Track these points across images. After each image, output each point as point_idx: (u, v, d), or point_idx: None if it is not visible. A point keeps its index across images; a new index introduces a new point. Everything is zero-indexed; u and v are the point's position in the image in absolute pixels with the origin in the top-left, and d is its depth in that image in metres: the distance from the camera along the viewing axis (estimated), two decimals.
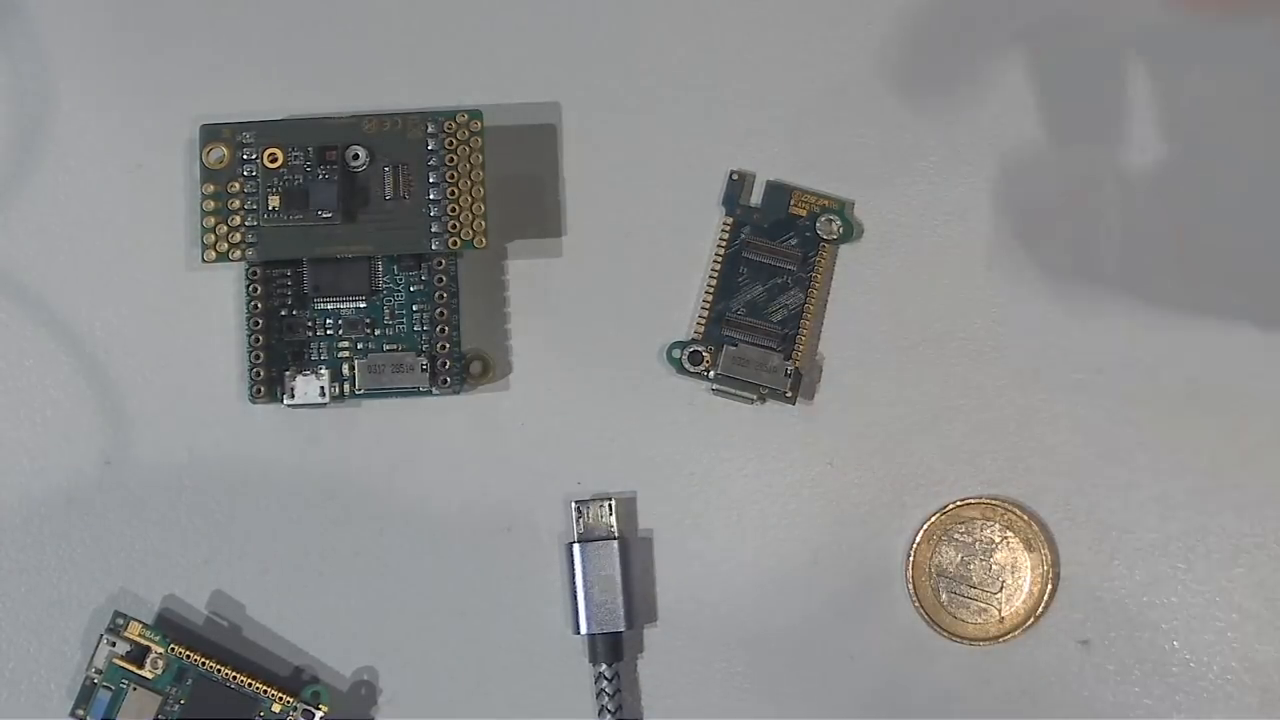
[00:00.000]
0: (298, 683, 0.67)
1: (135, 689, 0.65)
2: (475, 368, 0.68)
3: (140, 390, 0.67)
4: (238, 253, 0.65)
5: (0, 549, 0.67)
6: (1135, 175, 0.68)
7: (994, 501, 0.67)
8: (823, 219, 0.68)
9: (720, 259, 0.68)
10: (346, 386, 0.66)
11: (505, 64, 0.69)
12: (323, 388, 0.66)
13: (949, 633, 0.67)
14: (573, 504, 0.66)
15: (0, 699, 0.66)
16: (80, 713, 0.65)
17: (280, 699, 0.65)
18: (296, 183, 0.66)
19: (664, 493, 0.67)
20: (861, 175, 0.68)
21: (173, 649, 0.65)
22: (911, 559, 0.67)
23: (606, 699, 0.66)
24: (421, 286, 0.67)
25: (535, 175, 0.68)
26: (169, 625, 0.67)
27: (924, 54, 0.69)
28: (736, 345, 0.67)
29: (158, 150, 0.68)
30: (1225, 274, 0.68)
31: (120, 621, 0.65)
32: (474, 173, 0.66)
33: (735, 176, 0.68)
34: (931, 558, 0.67)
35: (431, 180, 0.66)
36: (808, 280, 0.68)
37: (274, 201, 0.66)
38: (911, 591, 0.67)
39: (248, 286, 0.66)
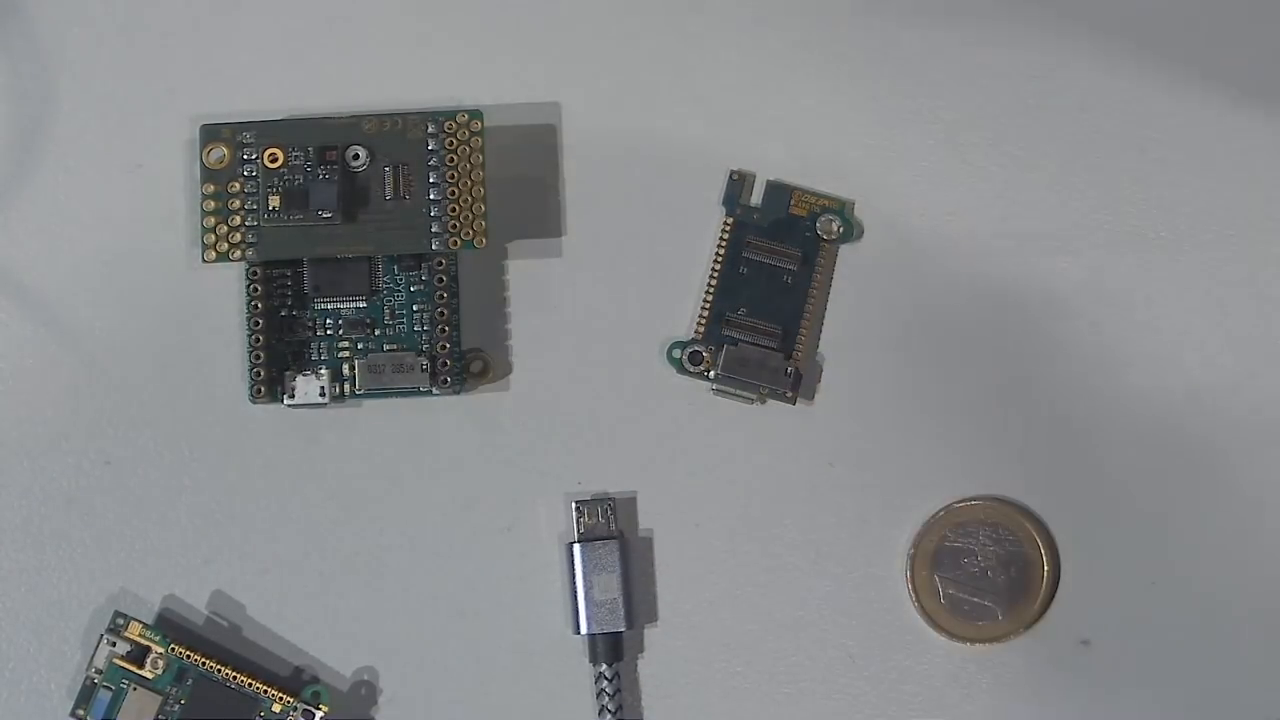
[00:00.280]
0: (298, 683, 0.67)
1: (135, 689, 0.65)
2: (475, 368, 0.68)
3: (140, 390, 0.67)
4: (238, 253, 0.65)
5: (0, 549, 0.67)
6: (1139, 178, 0.69)
7: (994, 501, 0.67)
8: (823, 219, 0.68)
9: (720, 259, 0.68)
10: (346, 386, 0.66)
11: (505, 64, 0.69)
12: (323, 388, 0.66)
13: (949, 633, 0.67)
14: (573, 504, 0.66)
15: (0, 699, 0.66)
16: (80, 713, 0.65)
17: (280, 699, 0.65)
18: (296, 183, 0.66)
19: (664, 493, 0.67)
20: (861, 175, 0.68)
21: (173, 649, 0.65)
22: (911, 559, 0.67)
23: (606, 699, 0.66)
24: (421, 286, 0.67)
25: (535, 175, 0.68)
26: (169, 625, 0.67)
27: (924, 53, 0.69)
28: (736, 345, 0.67)
29: (158, 150, 0.68)
30: (1224, 273, 0.68)
31: (120, 621, 0.65)
32: (474, 173, 0.66)
33: (735, 176, 0.68)
34: (931, 558, 0.67)
35: (431, 180, 0.66)
36: (808, 280, 0.68)
37: (274, 201, 0.66)
38: (911, 591, 0.67)
39: (248, 286, 0.66)
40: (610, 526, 0.66)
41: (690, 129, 0.68)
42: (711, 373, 0.67)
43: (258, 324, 0.66)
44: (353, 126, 0.66)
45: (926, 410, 0.67)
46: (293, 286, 0.67)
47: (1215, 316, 0.68)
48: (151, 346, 0.68)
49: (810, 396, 0.68)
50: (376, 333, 0.67)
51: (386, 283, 0.67)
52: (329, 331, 0.67)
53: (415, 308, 0.67)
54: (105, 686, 0.65)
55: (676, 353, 0.67)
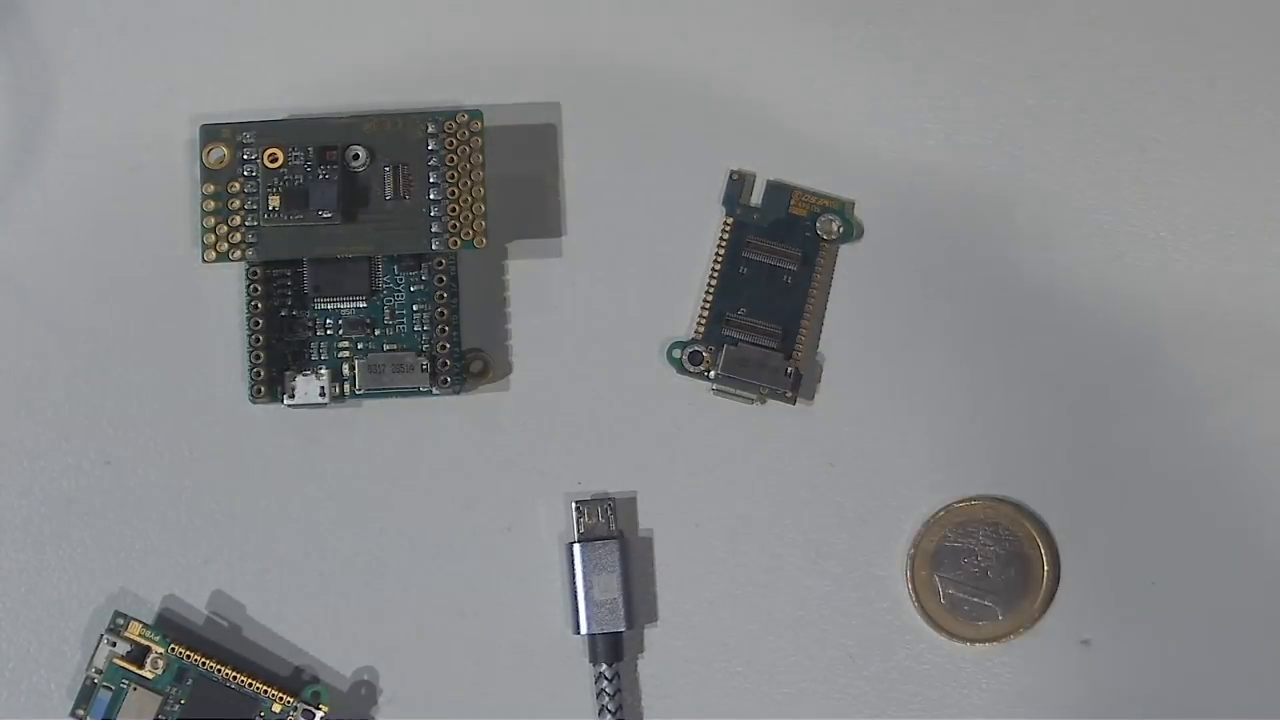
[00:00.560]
0: (298, 683, 0.67)
1: (135, 689, 0.65)
2: (475, 368, 0.68)
3: (140, 390, 0.67)
4: (238, 253, 0.65)
5: (0, 549, 0.67)
6: (1139, 178, 0.69)
7: (994, 501, 0.67)
8: (823, 219, 0.68)
9: (720, 259, 0.68)
10: (346, 386, 0.66)
11: (505, 64, 0.69)
12: (323, 388, 0.66)
13: (949, 633, 0.67)
14: (573, 504, 0.66)
15: (0, 699, 0.66)
16: (80, 713, 0.65)
17: (280, 699, 0.65)
18: (296, 183, 0.66)
19: (664, 493, 0.67)
20: (861, 175, 0.68)
21: (173, 649, 0.65)
22: (912, 559, 0.67)
23: (606, 699, 0.66)
24: (421, 286, 0.67)
25: (535, 175, 0.68)
26: (169, 625, 0.67)
27: (924, 53, 0.69)
28: (736, 345, 0.67)
29: (158, 150, 0.68)
30: (1224, 273, 0.68)
31: (120, 621, 0.65)
32: (474, 173, 0.66)
33: (735, 176, 0.68)
34: (931, 558, 0.67)
35: (431, 180, 0.66)
36: (808, 280, 0.68)
37: (274, 201, 0.66)
38: (911, 591, 0.67)
39: (248, 286, 0.66)
40: (610, 526, 0.66)
41: (690, 129, 0.68)
42: (711, 373, 0.67)
43: (258, 324, 0.66)
44: (353, 126, 0.66)
45: (927, 410, 0.67)
46: (293, 286, 0.67)
47: (1215, 316, 0.68)
48: (151, 346, 0.68)
49: (810, 396, 0.68)
50: (376, 333, 0.67)
51: (386, 283, 0.67)
52: (329, 331, 0.67)
53: (415, 308, 0.67)
54: (105, 686, 0.65)
55: (676, 353, 0.67)
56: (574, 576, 0.66)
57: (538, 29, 0.69)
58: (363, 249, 0.66)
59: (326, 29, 0.69)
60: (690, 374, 0.67)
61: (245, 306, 0.66)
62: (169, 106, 0.68)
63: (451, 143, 0.66)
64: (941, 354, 0.68)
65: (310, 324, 0.67)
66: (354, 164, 0.66)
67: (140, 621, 0.65)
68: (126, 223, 0.68)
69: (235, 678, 0.65)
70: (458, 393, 0.66)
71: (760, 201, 0.68)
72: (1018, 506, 0.67)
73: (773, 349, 0.67)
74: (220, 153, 0.66)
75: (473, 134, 0.66)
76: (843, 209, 0.68)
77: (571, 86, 0.69)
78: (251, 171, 0.66)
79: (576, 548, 0.66)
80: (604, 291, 0.68)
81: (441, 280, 0.66)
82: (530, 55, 0.69)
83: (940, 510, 0.67)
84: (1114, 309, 0.68)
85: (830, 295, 0.68)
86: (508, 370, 0.68)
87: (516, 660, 0.67)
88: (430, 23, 0.69)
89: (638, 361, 0.68)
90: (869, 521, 0.67)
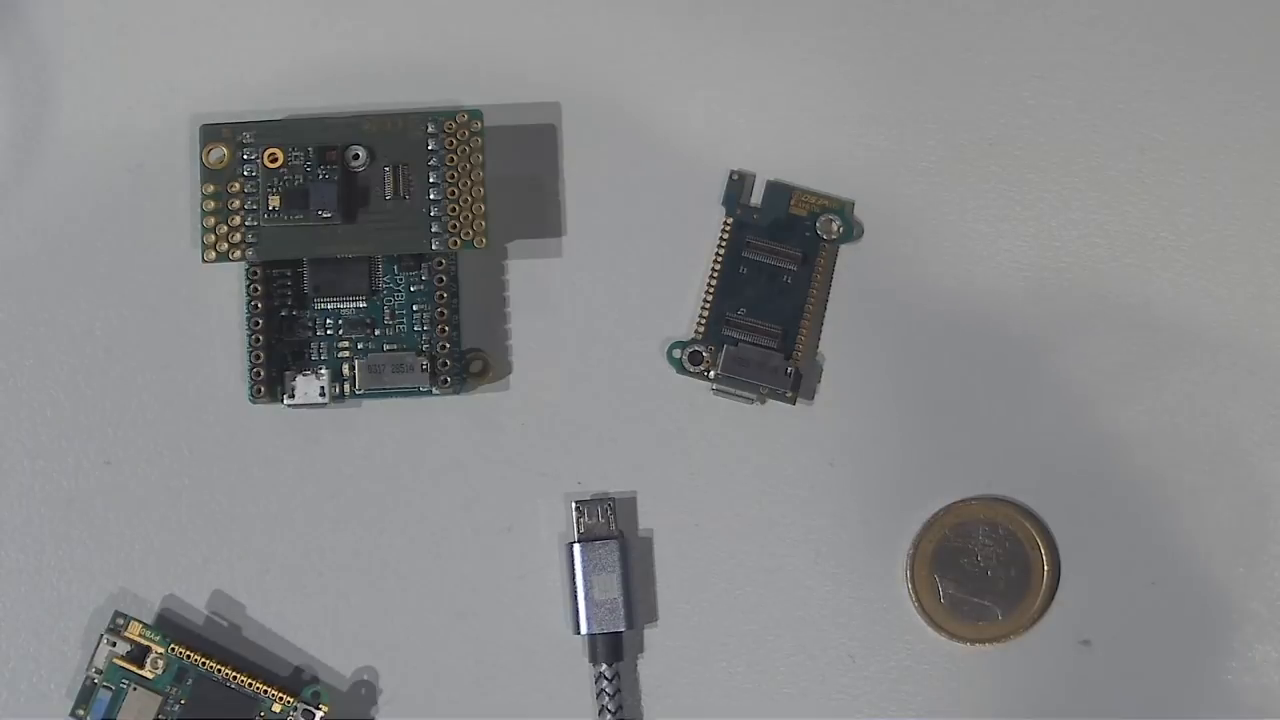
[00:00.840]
0: (298, 683, 0.67)
1: (135, 689, 0.65)
2: (475, 368, 0.68)
3: (140, 390, 0.67)
4: (238, 253, 0.65)
5: (0, 549, 0.67)
6: (1139, 178, 0.69)
7: (994, 501, 0.67)
8: (823, 219, 0.68)
9: (720, 259, 0.68)
10: (346, 386, 0.66)
11: (505, 64, 0.69)
12: (323, 388, 0.66)
13: (949, 633, 0.67)
14: (573, 504, 0.66)
15: (0, 699, 0.66)
16: (80, 713, 0.65)
17: (280, 699, 0.65)
18: (296, 183, 0.66)
19: (664, 493, 0.67)
20: (861, 175, 0.68)
21: (173, 649, 0.65)
22: (911, 559, 0.67)
23: (606, 699, 0.66)
24: (421, 286, 0.67)
25: (535, 175, 0.68)
26: (169, 625, 0.67)
27: (924, 53, 0.69)
28: (736, 345, 0.67)
29: (158, 150, 0.68)
30: (1224, 273, 0.68)
31: (120, 621, 0.65)
32: (474, 173, 0.66)
33: (735, 176, 0.68)
34: (931, 558, 0.67)
35: (431, 180, 0.66)
36: (808, 280, 0.68)
37: (274, 201, 0.66)
38: (911, 591, 0.67)
39: (248, 286, 0.66)
40: (610, 526, 0.66)
41: (690, 129, 0.69)
42: (711, 373, 0.67)
43: (258, 324, 0.66)
44: (353, 126, 0.66)
45: (926, 410, 0.67)
46: (293, 286, 0.67)
47: (1215, 316, 0.68)
48: (151, 346, 0.68)
49: (810, 396, 0.68)
50: (376, 333, 0.67)
51: (386, 283, 0.67)
52: (329, 331, 0.67)
53: (415, 308, 0.67)
54: (105, 686, 0.65)
55: (676, 353, 0.67)
56: (574, 576, 0.66)
57: (538, 29, 0.69)
58: (363, 249, 0.66)
59: (326, 29, 0.69)
60: (690, 374, 0.67)
61: (245, 306, 0.66)
62: (169, 106, 0.68)
63: (451, 143, 0.66)
64: (941, 354, 0.68)
65: (310, 324, 0.67)
66: (354, 164, 0.66)
67: (140, 621, 0.65)
68: (126, 223, 0.68)
69: (235, 678, 0.65)
70: (458, 393, 0.66)
71: (760, 201, 0.68)
72: (1018, 506, 0.67)
73: (773, 349, 0.67)
74: (220, 153, 0.66)
75: (473, 134, 0.66)
76: (843, 209, 0.68)
77: (571, 86, 0.69)
78: (251, 171, 0.66)
79: (576, 548, 0.66)
80: (604, 291, 0.68)
81: (441, 280, 0.66)
82: (530, 55, 0.69)
83: (940, 510, 0.67)
84: (1114, 309, 0.68)
85: (830, 295, 0.68)
86: (508, 370, 0.68)
87: (516, 660, 0.67)
88: (430, 23, 0.69)
89: (638, 361, 0.68)
90: (869, 521, 0.67)
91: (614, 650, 0.66)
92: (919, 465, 0.67)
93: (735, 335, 0.67)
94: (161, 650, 0.65)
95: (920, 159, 0.68)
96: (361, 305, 0.67)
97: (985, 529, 0.67)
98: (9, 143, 0.68)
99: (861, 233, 0.68)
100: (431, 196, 0.66)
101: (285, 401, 0.66)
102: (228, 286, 0.68)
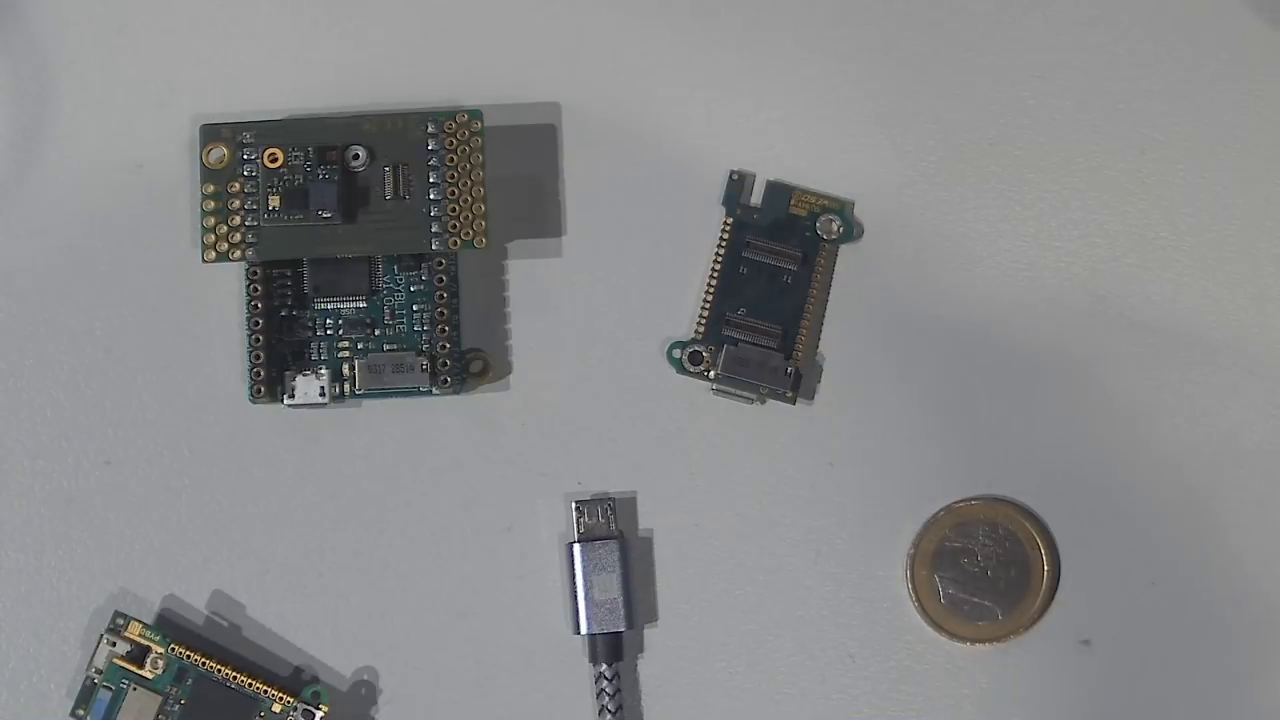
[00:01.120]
0: (298, 683, 0.67)
1: (135, 689, 0.65)
2: (475, 368, 0.68)
3: (140, 390, 0.67)
4: (238, 253, 0.65)
5: (0, 549, 0.67)
6: (1139, 178, 0.69)
7: (994, 501, 0.67)
8: (823, 219, 0.68)
9: (720, 259, 0.68)
10: (346, 386, 0.66)
11: (505, 64, 0.69)
12: (323, 388, 0.66)
13: (949, 633, 0.67)
14: (573, 504, 0.66)
15: (0, 699, 0.66)
16: (80, 713, 0.65)
17: (280, 699, 0.65)
18: (296, 183, 0.66)
19: (664, 493, 0.67)
20: (861, 175, 0.68)
21: (173, 649, 0.65)
22: (911, 559, 0.67)
23: (606, 699, 0.66)
24: (421, 286, 0.67)
25: (535, 175, 0.68)
26: (169, 625, 0.67)
27: (924, 53, 0.69)
28: (736, 345, 0.67)
29: (158, 150, 0.68)
30: (1224, 273, 0.68)
31: (120, 621, 0.65)
32: (474, 173, 0.66)
33: (735, 176, 0.68)
34: (931, 558, 0.67)
35: (431, 180, 0.66)
36: (808, 280, 0.68)
37: (274, 201, 0.66)
38: (911, 591, 0.67)
39: (248, 286, 0.66)
40: (610, 526, 0.66)
41: (690, 129, 0.69)
42: (711, 373, 0.67)
43: (258, 324, 0.66)
44: (353, 126, 0.66)
45: (926, 410, 0.68)
46: (293, 286, 0.67)
47: (1215, 316, 0.68)
48: (151, 346, 0.68)
49: (810, 396, 0.68)
50: (376, 333, 0.67)
51: (386, 283, 0.67)
52: (329, 331, 0.67)
53: (415, 308, 0.67)
54: (105, 686, 0.65)
55: (676, 353, 0.67)
56: (574, 576, 0.66)
57: (538, 29, 0.69)
58: (363, 249, 0.66)
59: (326, 29, 0.69)
60: (690, 374, 0.67)
61: (245, 306, 0.66)
62: (169, 106, 0.68)
63: (451, 143, 0.66)
64: (941, 354, 0.68)
65: (310, 324, 0.67)
66: (354, 164, 0.66)
67: (140, 621, 0.65)
68: (126, 223, 0.68)
69: (235, 678, 0.65)
70: (458, 393, 0.66)
71: (760, 201, 0.68)
72: (1018, 506, 0.67)
73: (773, 349, 0.67)
74: (220, 153, 0.66)
75: (473, 134, 0.66)
76: (843, 209, 0.68)
77: (571, 86, 0.69)
78: (251, 171, 0.66)
79: (576, 548, 0.66)
80: (604, 291, 0.68)
81: (441, 280, 0.66)
82: (530, 55, 0.69)
83: (940, 510, 0.67)
84: (1114, 309, 0.68)
85: (830, 295, 0.68)
86: (508, 370, 0.68)
87: (516, 660, 0.67)
88: (430, 23, 0.69)
89: (638, 361, 0.68)
90: (869, 521, 0.67)
91: (614, 650, 0.66)
92: (919, 465, 0.67)
93: (735, 335, 0.67)
94: (161, 650, 0.65)
95: (920, 159, 0.68)
96: (361, 305, 0.67)
97: (985, 529, 0.67)
98: (9, 143, 0.68)
99: (861, 233, 0.68)
100: (431, 196, 0.66)
101: (285, 401, 0.66)
102: (228, 286, 0.68)
